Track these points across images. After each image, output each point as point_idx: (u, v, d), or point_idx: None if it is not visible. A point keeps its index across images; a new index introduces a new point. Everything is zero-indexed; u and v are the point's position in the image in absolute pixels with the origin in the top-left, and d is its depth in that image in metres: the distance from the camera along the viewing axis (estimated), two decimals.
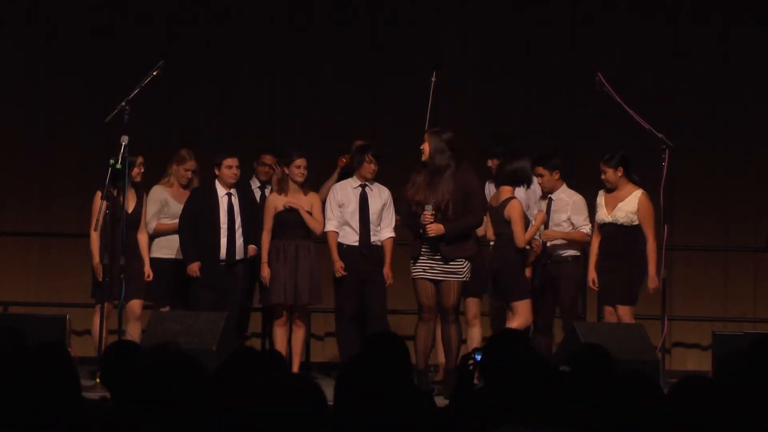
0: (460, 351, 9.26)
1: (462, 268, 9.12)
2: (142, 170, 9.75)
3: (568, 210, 9.83)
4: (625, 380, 4.37)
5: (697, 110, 11.68)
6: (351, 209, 9.91)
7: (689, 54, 11.74)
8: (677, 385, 4.02)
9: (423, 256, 9.14)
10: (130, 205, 9.62)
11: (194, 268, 9.72)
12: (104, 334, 9.29)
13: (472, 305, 9.88)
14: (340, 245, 9.91)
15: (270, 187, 10.24)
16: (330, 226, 9.90)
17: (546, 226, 9.77)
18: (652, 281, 9.44)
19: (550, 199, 9.89)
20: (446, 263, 9.10)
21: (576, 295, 9.86)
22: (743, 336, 8.80)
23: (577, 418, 4.08)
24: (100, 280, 9.36)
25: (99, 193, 9.36)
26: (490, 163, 9.94)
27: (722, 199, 11.55)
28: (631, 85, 11.03)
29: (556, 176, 9.84)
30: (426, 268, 9.15)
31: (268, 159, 10.40)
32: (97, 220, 9.33)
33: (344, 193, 9.96)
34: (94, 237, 9.45)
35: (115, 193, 9.37)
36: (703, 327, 11.15)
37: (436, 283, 9.14)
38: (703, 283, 11.50)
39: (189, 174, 10.14)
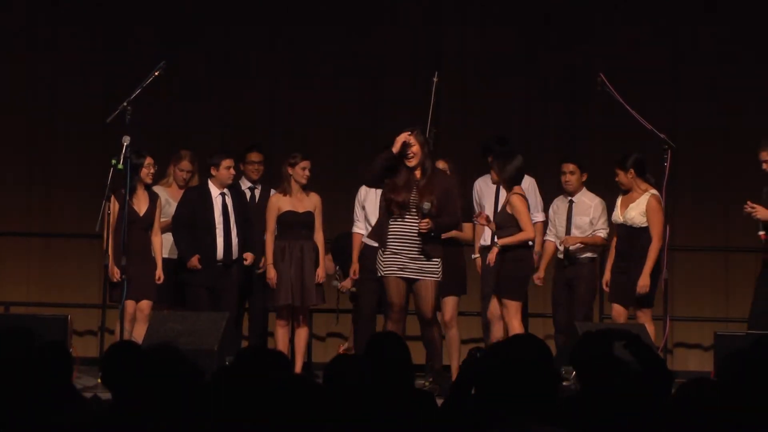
0: (442, 349, 9.25)
1: (438, 267, 8.93)
2: (152, 171, 9.75)
3: (590, 212, 9.87)
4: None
5: (698, 110, 11.67)
6: (371, 211, 9.94)
7: (691, 54, 11.73)
8: (681, 389, 4.02)
9: (401, 256, 8.91)
10: (142, 207, 9.63)
11: (194, 261, 9.72)
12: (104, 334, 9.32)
13: (451, 306, 9.82)
14: (364, 245, 9.95)
15: (260, 187, 10.28)
16: (355, 228, 10.01)
17: (568, 231, 9.84)
18: (644, 279, 9.47)
19: (571, 202, 9.94)
20: (428, 260, 8.87)
21: (591, 296, 9.91)
22: (745, 336, 8.80)
23: (579, 418, 4.08)
24: (113, 281, 9.38)
25: (113, 197, 9.39)
26: (491, 159, 9.99)
27: (723, 199, 11.54)
28: (633, 85, 11.02)
29: (584, 178, 9.91)
30: (400, 266, 8.92)
31: (255, 156, 10.38)
32: (100, 221, 9.35)
33: (366, 194, 10.01)
34: (109, 239, 9.45)
35: (127, 195, 9.40)
36: (704, 327, 11.13)
37: (411, 282, 8.93)
38: (704, 283, 11.49)
39: (184, 174, 10.15)
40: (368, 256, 9.92)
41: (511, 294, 9.17)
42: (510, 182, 9.24)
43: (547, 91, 11.85)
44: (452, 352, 9.67)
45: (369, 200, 9.99)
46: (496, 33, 11.88)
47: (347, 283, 10.01)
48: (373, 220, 9.90)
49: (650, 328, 9.37)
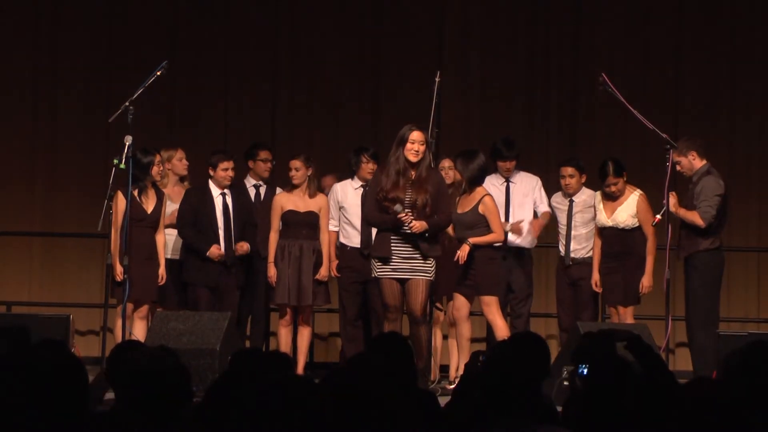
0: (431, 350, 9.22)
1: (431, 267, 8.83)
2: (162, 169, 9.74)
3: (593, 210, 9.88)
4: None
5: (699, 110, 11.68)
6: (352, 210, 9.90)
7: (692, 53, 11.74)
8: (683, 389, 4.03)
9: (393, 256, 8.80)
10: (150, 205, 9.61)
11: (214, 251, 9.70)
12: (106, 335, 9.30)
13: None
14: (343, 246, 9.92)
15: (266, 186, 10.28)
16: (330, 226, 9.93)
17: (569, 229, 9.85)
18: (647, 279, 9.52)
19: (572, 201, 9.95)
20: (422, 259, 8.77)
21: (596, 296, 9.94)
22: (747, 336, 8.81)
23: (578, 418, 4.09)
24: (119, 280, 9.37)
25: (120, 194, 9.38)
26: (506, 165, 9.93)
27: None
28: (634, 85, 11.03)
29: (584, 179, 9.94)
30: (393, 267, 8.81)
31: (267, 154, 10.36)
32: (103, 220, 9.34)
33: (344, 194, 9.96)
34: (114, 238, 9.44)
35: (136, 193, 9.40)
36: None
37: (403, 282, 8.83)
38: None
39: (183, 162, 10.13)
40: (350, 257, 9.90)
41: (490, 289, 9.20)
42: (472, 182, 9.21)
43: (549, 91, 11.86)
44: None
45: (350, 202, 9.92)
46: (498, 31, 11.89)
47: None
48: (356, 222, 9.86)
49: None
